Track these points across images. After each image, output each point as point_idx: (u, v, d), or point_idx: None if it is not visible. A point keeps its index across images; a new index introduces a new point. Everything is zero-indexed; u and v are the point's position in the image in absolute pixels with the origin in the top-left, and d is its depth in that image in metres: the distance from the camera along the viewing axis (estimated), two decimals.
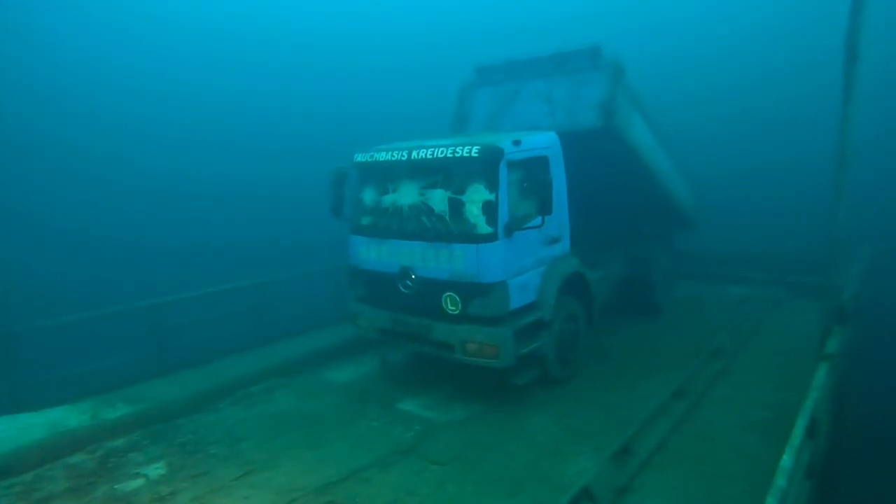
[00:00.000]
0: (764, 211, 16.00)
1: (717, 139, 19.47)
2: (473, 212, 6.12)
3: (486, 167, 6.04)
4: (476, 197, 6.11)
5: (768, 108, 20.65)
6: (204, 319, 9.02)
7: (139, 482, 5.45)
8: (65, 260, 17.80)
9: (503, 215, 6.03)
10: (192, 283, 9.54)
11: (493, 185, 6.03)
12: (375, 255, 7.00)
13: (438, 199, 6.38)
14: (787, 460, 3.35)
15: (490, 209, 6.03)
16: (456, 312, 6.27)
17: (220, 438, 6.29)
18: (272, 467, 5.65)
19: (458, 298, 6.21)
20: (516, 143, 6.26)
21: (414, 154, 6.48)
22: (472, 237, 6.07)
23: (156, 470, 5.66)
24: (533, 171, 6.29)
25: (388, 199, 6.91)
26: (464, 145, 6.12)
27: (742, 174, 17.78)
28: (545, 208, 6.04)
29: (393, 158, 6.69)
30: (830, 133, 5.81)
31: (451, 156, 6.15)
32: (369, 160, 7.01)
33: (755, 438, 5.72)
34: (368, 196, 7.18)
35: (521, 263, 6.35)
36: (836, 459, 5.70)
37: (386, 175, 6.92)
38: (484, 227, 6.04)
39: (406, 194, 6.69)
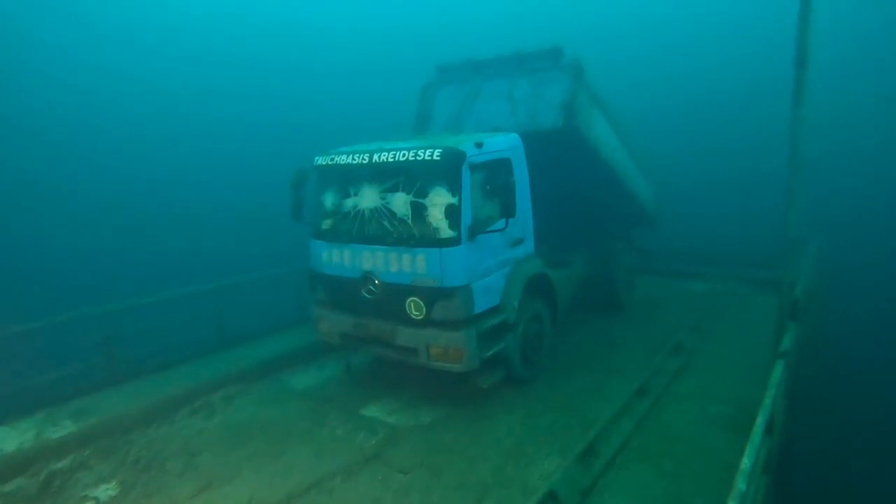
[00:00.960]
0: (723, 207, 16.50)
1: (678, 139, 19.93)
2: (436, 215, 6.04)
3: (448, 170, 5.97)
4: (438, 200, 6.03)
5: (727, 109, 21.27)
6: (159, 326, 8.66)
7: None
8: (12, 267, 16.89)
9: (466, 219, 5.97)
10: (149, 288, 9.17)
11: (455, 189, 5.96)
12: (337, 259, 6.85)
13: (400, 202, 6.28)
14: (746, 462, 3.40)
15: (453, 213, 5.96)
16: (420, 317, 6.19)
17: (177, 452, 6.06)
18: (231, 480, 5.47)
19: (421, 303, 6.13)
20: (478, 145, 6.21)
21: (375, 157, 6.35)
22: (435, 241, 5.99)
23: (106, 491, 5.39)
24: (495, 174, 6.25)
25: (349, 202, 6.77)
26: (425, 148, 6.03)
27: (701, 172, 18.27)
28: (508, 211, 6.01)
29: (353, 162, 6.55)
30: (784, 133, 5.98)
31: (412, 159, 6.06)
32: (329, 163, 6.84)
33: (715, 434, 5.84)
34: (329, 200, 7.02)
35: (485, 266, 6.31)
36: (790, 451, 5.86)
37: (347, 178, 6.78)
38: (447, 231, 5.97)
39: (367, 198, 6.56)
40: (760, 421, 3.86)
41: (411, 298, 6.19)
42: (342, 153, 6.77)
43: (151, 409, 6.82)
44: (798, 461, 6.45)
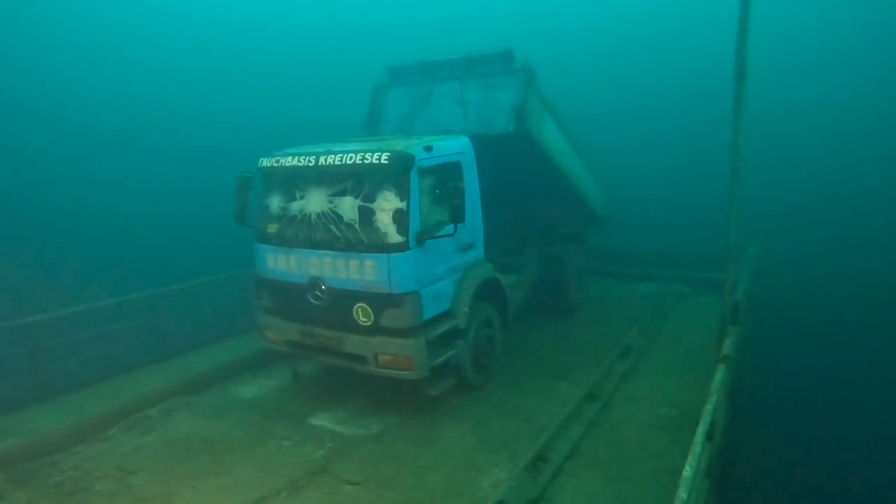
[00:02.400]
0: (669, 210, 17.01)
1: (627, 142, 20.42)
2: (384, 220, 5.90)
3: (397, 174, 5.84)
4: (386, 205, 5.89)
5: (673, 114, 21.95)
6: (94, 336, 8.10)
7: None
8: None
9: (414, 224, 5.86)
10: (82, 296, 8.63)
11: (403, 193, 5.84)
12: (283, 264, 6.64)
13: (348, 207, 6.11)
14: (688, 471, 3.42)
15: (401, 217, 5.84)
16: (368, 324, 6.05)
17: (109, 472, 5.70)
18: (168, 502, 5.18)
19: (369, 310, 5.99)
20: (428, 149, 6.11)
21: (321, 160, 6.17)
22: (383, 247, 5.86)
23: None
24: (445, 178, 6.16)
25: (295, 206, 6.56)
26: (373, 151, 5.89)
27: (648, 176, 18.76)
28: (458, 216, 5.93)
29: (300, 164, 6.35)
30: (726, 139, 6.16)
31: (360, 162, 5.90)
32: (275, 165, 6.61)
33: (662, 437, 5.94)
34: (275, 203, 6.78)
35: (434, 272, 6.22)
36: (730, 452, 6.01)
37: (293, 181, 6.56)
38: (395, 236, 5.85)
39: (314, 202, 6.36)
40: (702, 429, 3.91)
41: (359, 305, 6.05)
42: (288, 155, 6.55)
43: (81, 425, 6.40)
44: (737, 460, 6.63)
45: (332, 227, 6.20)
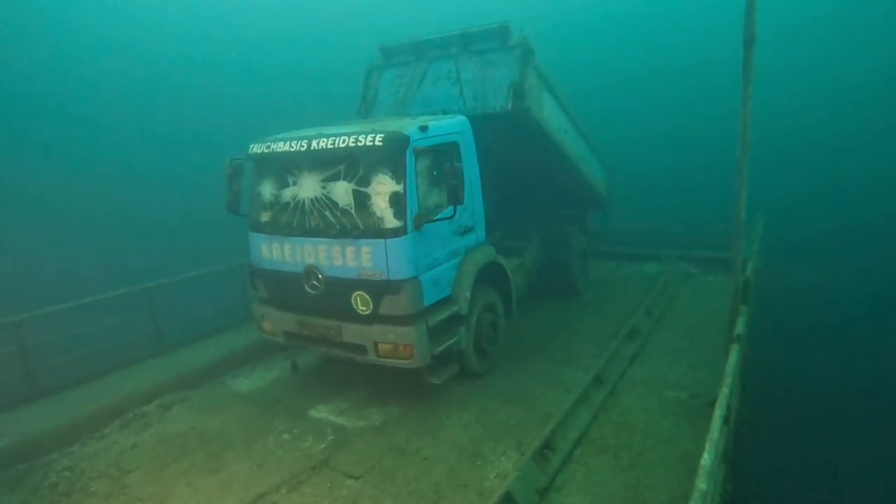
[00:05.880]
0: (673, 190, 16.74)
1: (628, 118, 20.05)
2: (380, 204, 5.67)
3: (392, 156, 5.60)
4: (382, 188, 5.66)
5: (677, 95, 21.51)
6: (86, 333, 7.93)
7: None
8: None
9: (412, 207, 5.62)
10: (73, 292, 8.41)
11: (399, 176, 5.60)
12: (278, 254, 6.43)
13: (342, 191, 5.88)
14: (707, 459, 3.23)
15: (398, 201, 5.61)
16: (367, 312, 5.85)
17: (104, 471, 5.56)
18: (164, 501, 5.03)
19: (368, 298, 5.79)
20: (423, 129, 5.86)
21: (314, 144, 5.92)
22: (380, 232, 5.64)
23: None
24: (443, 159, 5.90)
25: (288, 193, 6.33)
26: (367, 133, 5.64)
27: (652, 153, 18.45)
28: (457, 198, 5.70)
29: (291, 149, 6.10)
30: (732, 115, 5.89)
31: (353, 145, 5.66)
32: (266, 151, 6.37)
33: (671, 421, 5.76)
34: (267, 190, 6.56)
35: (434, 257, 6.01)
36: (739, 434, 5.84)
37: (285, 167, 6.32)
38: (392, 221, 5.62)
39: (307, 188, 6.13)
40: (719, 413, 3.71)
41: (357, 293, 5.84)
42: (279, 140, 6.31)
43: (76, 424, 6.25)
44: (747, 444, 6.46)
45: (326, 213, 5.98)
